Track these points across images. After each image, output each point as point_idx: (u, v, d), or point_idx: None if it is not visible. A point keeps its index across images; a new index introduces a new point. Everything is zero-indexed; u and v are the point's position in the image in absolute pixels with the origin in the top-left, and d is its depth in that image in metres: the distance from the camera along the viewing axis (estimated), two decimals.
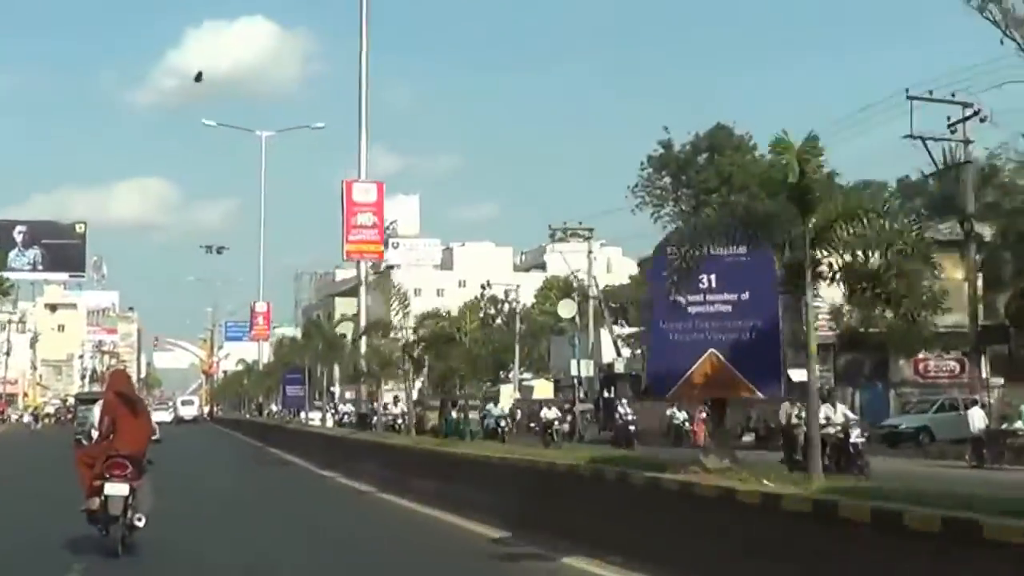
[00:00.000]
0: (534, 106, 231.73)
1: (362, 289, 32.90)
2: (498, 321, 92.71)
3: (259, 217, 71.57)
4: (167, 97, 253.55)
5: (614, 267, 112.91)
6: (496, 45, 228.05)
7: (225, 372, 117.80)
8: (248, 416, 77.06)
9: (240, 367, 77.68)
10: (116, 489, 12.75)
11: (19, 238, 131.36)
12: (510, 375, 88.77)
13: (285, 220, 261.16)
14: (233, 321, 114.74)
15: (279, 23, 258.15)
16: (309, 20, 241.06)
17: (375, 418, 36.65)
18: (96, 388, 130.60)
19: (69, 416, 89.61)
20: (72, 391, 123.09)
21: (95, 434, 14.06)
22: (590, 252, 64.40)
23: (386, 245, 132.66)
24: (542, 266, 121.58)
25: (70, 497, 14.36)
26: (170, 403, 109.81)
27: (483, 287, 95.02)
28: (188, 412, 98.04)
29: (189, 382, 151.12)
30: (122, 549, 12.89)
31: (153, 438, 14.08)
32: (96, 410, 14.30)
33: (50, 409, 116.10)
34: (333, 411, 50.39)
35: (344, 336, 39.11)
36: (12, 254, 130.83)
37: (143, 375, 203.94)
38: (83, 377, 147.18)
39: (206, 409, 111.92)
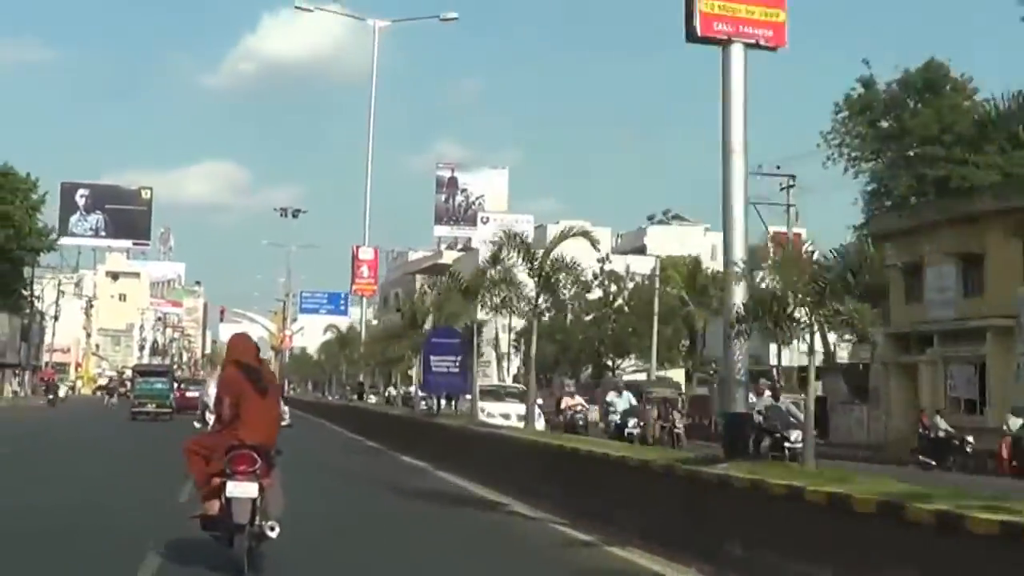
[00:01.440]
0: (598, 95, 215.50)
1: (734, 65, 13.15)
2: (618, 301, 75.68)
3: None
4: (241, 81, 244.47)
5: (719, 255, 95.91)
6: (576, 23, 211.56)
7: (291, 349, 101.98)
8: (334, 399, 58.94)
9: (330, 335, 58.72)
10: (242, 489, 9.53)
11: (81, 202, 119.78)
12: (621, 364, 72.66)
13: (354, 201, 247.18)
14: (309, 292, 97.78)
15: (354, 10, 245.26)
16: (383, 9, 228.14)
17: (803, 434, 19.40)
18: (156, 361, 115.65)
19: (123, 390, 78.60)
20: (130, 363, 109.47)
21: (210, 418, 12.58)
22: (789, 205, 46.95)
23: (473, 221, 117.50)
24: (641, 249, 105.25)
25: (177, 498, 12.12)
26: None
27: (601, 261, 77.63)
28: None
29: None
30: (248, 565, 9.55)
31: (282, 423, 11.43)
32: (211, 388, 12.97)
33: (103, 381, 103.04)
34: (558, 408, 33.44)
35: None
36: (74, 219, 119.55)
37: (207, 352, 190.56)
38: (141, 348, 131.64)
39: None
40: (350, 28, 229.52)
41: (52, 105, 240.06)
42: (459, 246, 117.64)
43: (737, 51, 12.77)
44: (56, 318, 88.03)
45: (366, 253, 52.88)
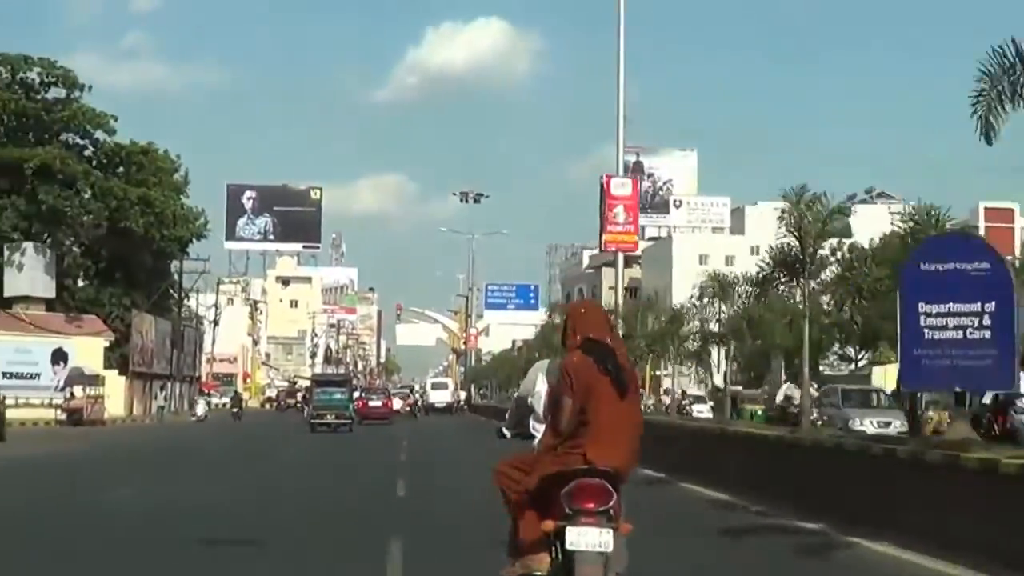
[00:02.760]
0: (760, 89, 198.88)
1: None
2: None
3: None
4: (407, 94, 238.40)
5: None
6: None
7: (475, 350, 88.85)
8: None
9: (551, 319, 42.58)
10: (591, 539, 5.96)
11: (248, 205, 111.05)
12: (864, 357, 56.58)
13: (527, 207, 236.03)
14: (495, 285, 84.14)
15: (513, 23, 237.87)
16: (543, 20, 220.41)
17: None
18: (331, 370, 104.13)
19: (293, 402, 70.32)
20: (303, 372, 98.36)
21: (537, 428, 7.07)
22: None
23: (665, 206, 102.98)
24: (845, 231, 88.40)
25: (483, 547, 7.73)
26: (414, 387, 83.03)
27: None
28: (440, 398, 74.16)
29: (433, 363, 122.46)
30: None
31: None
32: (539, 383, 7.10)
33: (272, 392, 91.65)
34: None
35: None
36: (241, 222, 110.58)
37: (382, 360, 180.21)
38: (313, 356, 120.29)
39: (462, 395, 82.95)
40: (509, 38, 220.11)
41: (223, 124, 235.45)
42: (645, 236, 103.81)
43: None
44: (216, 323, 75.99)
45: (621, 187, 36.24)
